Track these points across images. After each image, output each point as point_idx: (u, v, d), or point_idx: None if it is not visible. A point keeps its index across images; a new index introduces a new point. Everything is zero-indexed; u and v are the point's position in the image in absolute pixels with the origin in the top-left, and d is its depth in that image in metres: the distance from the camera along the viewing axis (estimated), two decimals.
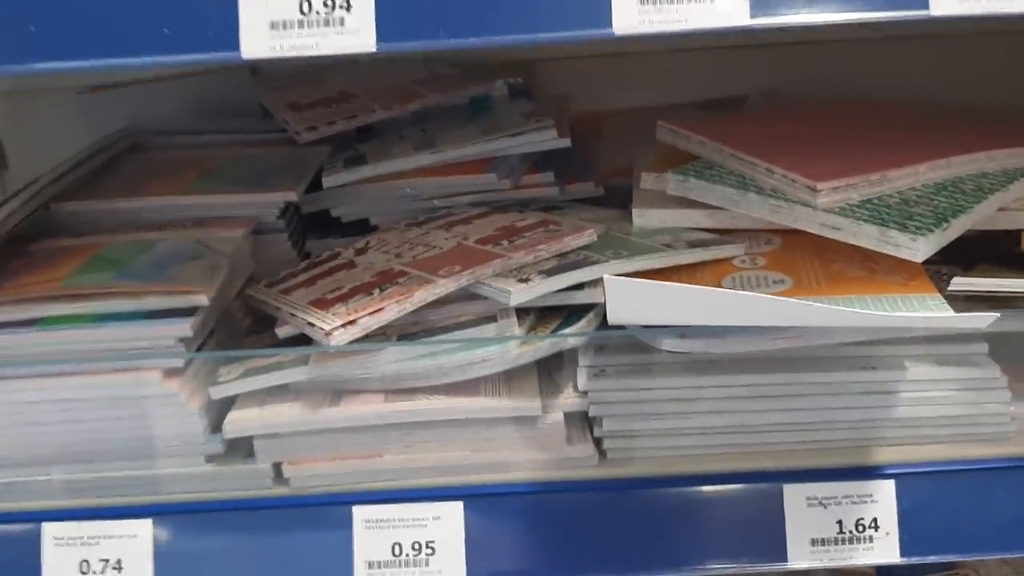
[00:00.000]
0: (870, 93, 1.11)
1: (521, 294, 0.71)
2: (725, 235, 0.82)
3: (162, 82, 1.25)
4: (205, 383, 0.75)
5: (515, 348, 0.70)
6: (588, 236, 0.77)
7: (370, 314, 0.70)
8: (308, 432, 0.73)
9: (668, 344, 0.69)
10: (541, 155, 1.00)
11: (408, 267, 0.78)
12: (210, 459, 0.74)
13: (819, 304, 0.63)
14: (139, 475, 0.73)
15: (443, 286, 0.72)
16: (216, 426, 0.74)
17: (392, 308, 0.71)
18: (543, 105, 1.08)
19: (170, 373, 0.72)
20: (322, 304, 0.75)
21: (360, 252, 0.87)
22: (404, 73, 1.17)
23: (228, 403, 0.75)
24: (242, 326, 0.84)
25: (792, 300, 0.66)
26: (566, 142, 0.97)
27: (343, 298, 0.75)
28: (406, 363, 0.72)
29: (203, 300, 0.73)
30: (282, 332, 0.77)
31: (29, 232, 0.89)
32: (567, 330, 0.73)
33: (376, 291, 0.74)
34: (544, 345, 0.70)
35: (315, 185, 0.97)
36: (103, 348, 0.71)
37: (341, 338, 0.69)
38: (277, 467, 0.74)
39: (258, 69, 1.25)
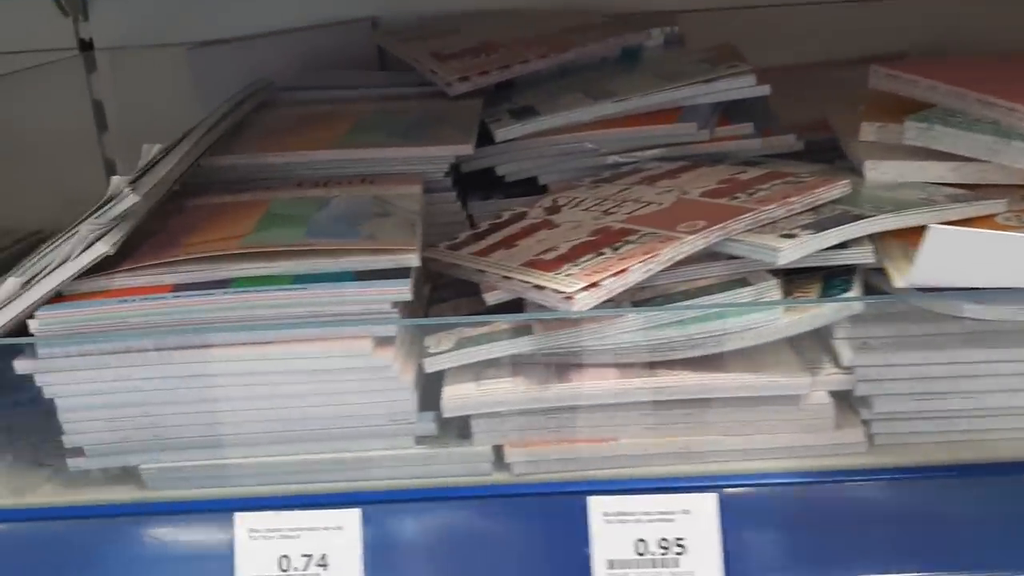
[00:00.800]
0: None
1: (791, 251, 0.61)
2: (971, 189, 0.73)
3: (276, 35, 1.17)
4: (412, 355, 0.66)
5: (784, 316, 0.61)
6: (842, 188, 0.68)
7: (614, 275, 0.61)
8: (535, 411, 0.64)
9: (971, 310, 0.59)
10: (728, 106, 0.91)
11: (631, 224, 0.69)
12: (420, 440, 0.66)
13: None
14: (343, 458, 0.64)
15: (691, 243, 0.63)
16: (423, 403, 0.66)
17: (637, 268, 0.62)
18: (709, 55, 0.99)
19: (381, 342, 0.63)
20: (543, 266, 0.66)
21: (552, 211, 0.78)
22: (540, 23, 1.08)
23: (432, 379, 0.66)
24: (423, 292, 0.76)
25: None
26: (765, 89, 0.88)
27: (565, 259, 0.66)
28: (649, 332, 0.63)
29: (413, 260, 0.64)
30: (492, 297, 0.68)
31: (179, 189, 0.81)
32: (842, 296, 0.63)
33: (607, 250, 0.65)
34: (826, 312, 0.61)
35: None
36: (307, 313, 0.62)
37: (584, 302, 0.60)
38: (497, 450, 0.65)
39: (378, 22, 1.17)
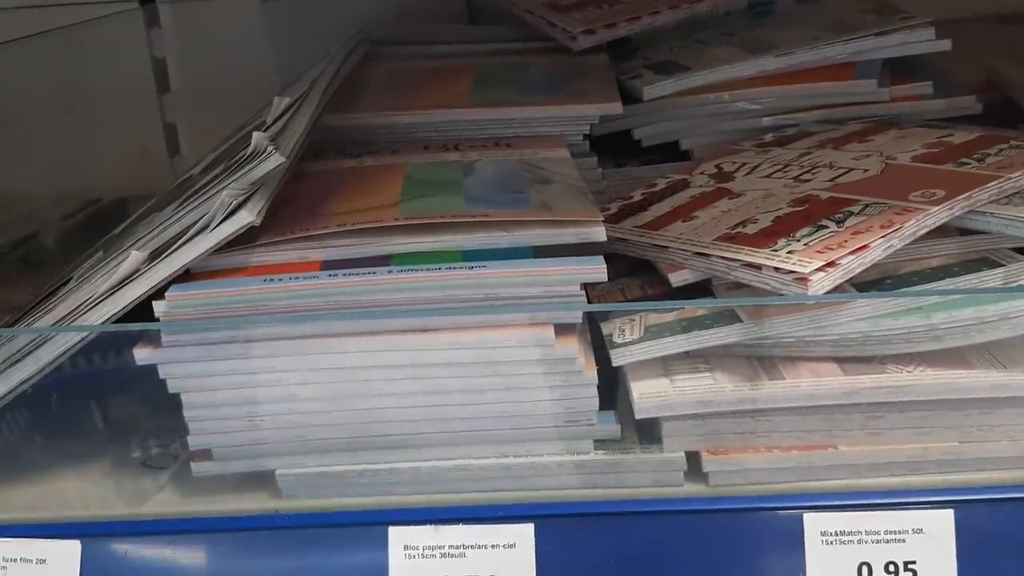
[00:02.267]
0: None
1: None
2: None
3: None
4: (588, 345, 0.57)
5: None
6: None
7: (852, 252, 0.52)
8: (739, 413, 0.55)
9: None
10: (893, 64, 0.81)
11: (843, 192, 0.59)
12: (600, 445, 0.57)
13: None
14: (514, 464, 0.55)
15: (935, 214, 0.54)
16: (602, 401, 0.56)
17: (878, 244, 0.52)
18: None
19: (563, 331, 0.54)
20: (747, 240, 0.56)
21: (721, 178, 0.68)
22: None
23: (604, 372, 0.57)
24: None
25: None
26: (946, 44, 0.78)
27: (775, 232, 0.56)
28: (881, 320, 0.54)
29: (600, 233, 0.55)
30: (677, 279, 0.59)
31: None
32: None
33: (828, 223, 0.55)
34: None
35: None
36: (481, 295, 0.52)
37: (821, 285, 0.51)
38: (692, 457, 0.56)
39: None
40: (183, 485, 0.58)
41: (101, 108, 1.07)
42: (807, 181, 0.63)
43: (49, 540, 0.55)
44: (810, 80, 0.76)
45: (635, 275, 0.64)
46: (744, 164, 0.70)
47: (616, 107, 0.73)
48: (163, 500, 0.58)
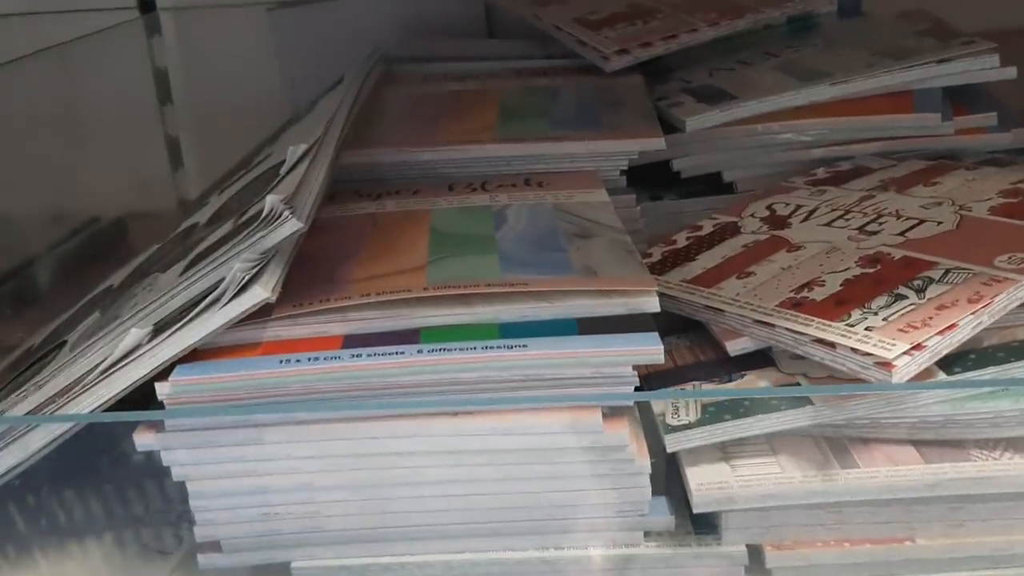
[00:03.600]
0: None
1: None
2: None
3: None
4: (639, 427, 0.51)
5: None
6: None
7: (940, 332, 0.46)
8: (808, 505, 0.49)
9: None
10: (951, 92, 0.75)
11: (913, 251, 0.54)
12: (651, 537, 0.51)
13: None
14: (556, 558, 0.50)
15: None
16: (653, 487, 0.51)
17: (967, 322, 0.47)
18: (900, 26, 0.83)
19: (612, 414, 0.49)
20: (814, 310, 0.51)
21: (775, 224, 0.62)
22: None
23: (656, 453, 0.52)
24: None
25: None
26: (1012, 72, 0.72)
27: (846, 301, 0.51)
28: (967, 404, 0.48)
29: (654, 304, 0.49)
30: (735, 347, 0.53)
31: None
32: None
33: (908, 292, 0.50)
34: None
35: None
36: (521, 377, 0.47)
37: (906, 371, 0.45)
38: (754, 551, 0.50)
39: None
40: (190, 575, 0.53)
41: (100, 122, 1.01)
42: (874, 233, 0.57)
43: None
44: (867, 111, 0.70)
45: (681, 333, 0.59)
46: (800, 207, 0.64)
47: (658, 143, 0.67)
48: None
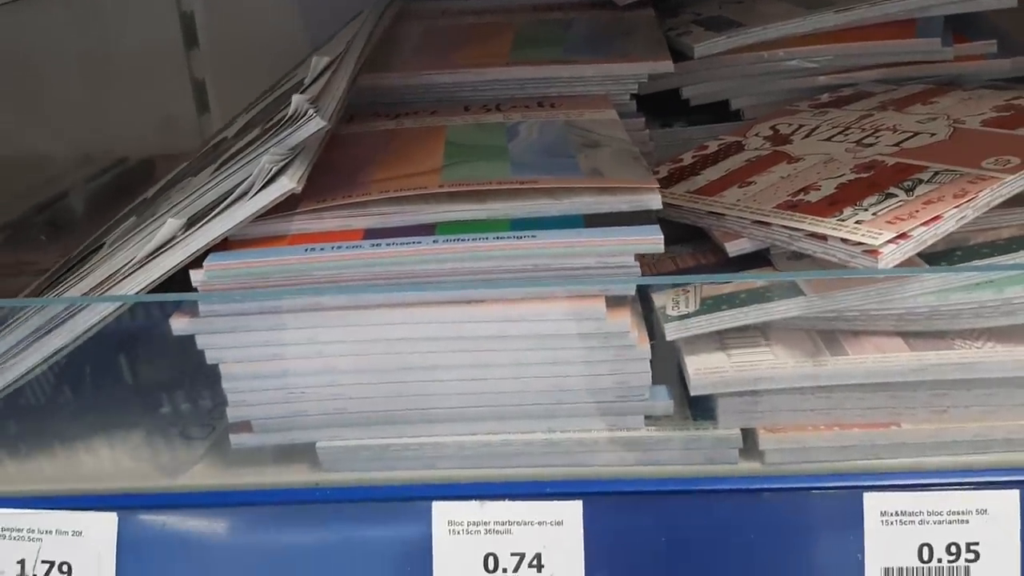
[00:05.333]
0: None
1: None
2: None
3: None
4: (640, 317, 0.55)
5: None
6: None
7: (925, 223, 0.49)
8: (799, 390, 0.53)
9: None
10: (955, 21, 0.77)
11: (909, 158, 0.56)
12: (652, 421, 0.55)
13: None
14: (563, 440, 0.53)
15: (1010, 183, 0.51)
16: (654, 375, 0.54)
17: (952, 215, 0.49)
18: None
19: (615, 303, 0.52)
20: (810, 209, 0.54)
21: (777, 140, 0.65)
22: None
23: (656, 347, 0.55)
24: None
25: None
26: (1012, 0, 0.74)
27: (839, 201, 0.54)
28: (951, 295, 0.51)
29: (656, 200, 0.52)
30: (735, 247, 0.56)
31: None
32: None
33: (897, 191, 0.53)
34: None
35: None
36: (530, 267, 0.50)
37: (892, 258, 0.48)
38: (748, 435, 0.54)
39: None
40: (222, 456, 0.56)
41: (127, 65, 1.04)
42: (870, 145, 0.60)
43: (85, 512, 0.54)
44: (870, 38, 0.72)
45: (685, 243, 0.62)
46: (801, 126, 0.67)
47: (667, 65, 0.70)
48: (201, 472, 0.56)
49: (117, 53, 1.05)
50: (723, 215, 0.57)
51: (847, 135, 0.62)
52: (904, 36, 0.72)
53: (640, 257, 0.57)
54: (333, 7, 1.03)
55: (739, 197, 0.58)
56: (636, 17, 0.82)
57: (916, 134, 0.60)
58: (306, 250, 0.50)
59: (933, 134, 0.59)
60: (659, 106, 0.77)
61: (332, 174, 0.56)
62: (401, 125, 0.66)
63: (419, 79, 0.71)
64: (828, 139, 0.63)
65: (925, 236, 0.49)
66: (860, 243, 0.48)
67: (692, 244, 0.61)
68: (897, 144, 0.59)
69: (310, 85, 0.56)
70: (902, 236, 0.48)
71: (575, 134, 0.62)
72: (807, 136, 0.64)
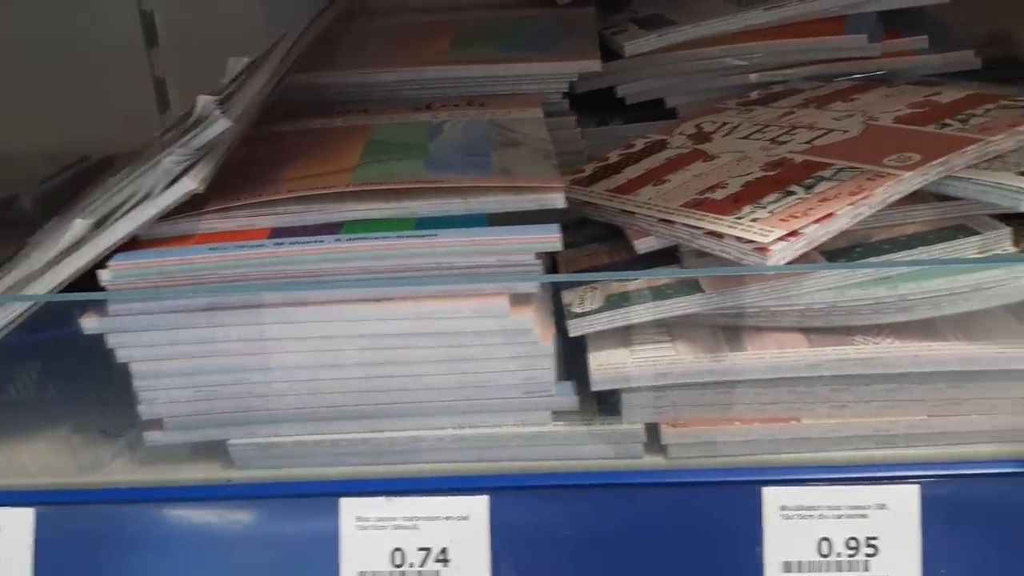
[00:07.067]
0: None
1: None
2: None
3: None
4: (546, 314, 0.55)
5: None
6: None
7: (817, 220, 0.50)
8: (700, 385, 0.53)
9: None
10: (890, 17, 0.78)
11: (816, 156, 0.57)
12: (558, 416, 0.55)
13: None
14: (469, 435, 0.54)
15: (908, 180, 0.51)
16: (560, 372, 0.55)
17: (845, 212, 0.50)
18: None
19: (519, 300, 0.52)
20: (713, 207, 0.54)
21: (699, 139, 0.66)
22: None
23: (564, 344, 0.56)
24: None
25: None
26: None
27: (742, 199, 0.54)
28: (848, 291, 0.52)
29: (559, 200, 0.53)
30: (644, 245, 0.57)
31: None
32: None
33: (797, 188, 0.53)
34: None
35: None
36: (434, 264, 0.51)
37: (782, 255, 0.49)
38: (652, 429, 0.54)
39: None
40: (139, 454, 0.58)
41: (88, 64, 1.05)
42: (784, 143, 0.60)
43: (2, 508, 0.55)
44: (801, 34, 0.73)
45: (607, 241, 0.63)
46: (725, 124, 0.67)
47: (594, 65, 0.71)
48: (118, 468, 0.57)
49: (78, 52, 1.06)
50: (634, 213, 0.57)
51: (765, 133, 0.63)
52: (833, 33, 0.72)
53: (559, 255, 0.58)
54: (293, 5, 1.04)
55: (651, 195, 0.59)
56: (576, 15, 0.83)
57: (830, 131, 0.60)
58: (209, 249, 0.51)
59: (846, 131, 0.59)
60: (601, 104, 0.78)
61: (248, 173, 0.57)
62: (332, 124, 0.67)
63: (355, 78, 0.71)
64: (745, 137, 0.63)
65: (817, 234, 0.49)
66: (751, 241, 0.49)
67: (611, 242, 0.62)
68: (809, 142, 0.59)
69: (227, 87, 0.57)
70: (793, 234, 0.49)
71: (497, 133, 0.63)
72: (728, 134, 0.65)
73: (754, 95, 0.72)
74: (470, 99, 0.71)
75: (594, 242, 0.63)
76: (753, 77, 0.76)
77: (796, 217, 0.50)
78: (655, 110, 0.78)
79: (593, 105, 0.77)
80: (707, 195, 0.56)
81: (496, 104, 0.69)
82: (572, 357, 0.56)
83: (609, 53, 0.76)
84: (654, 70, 0.77)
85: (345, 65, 0.75)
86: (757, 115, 0.67)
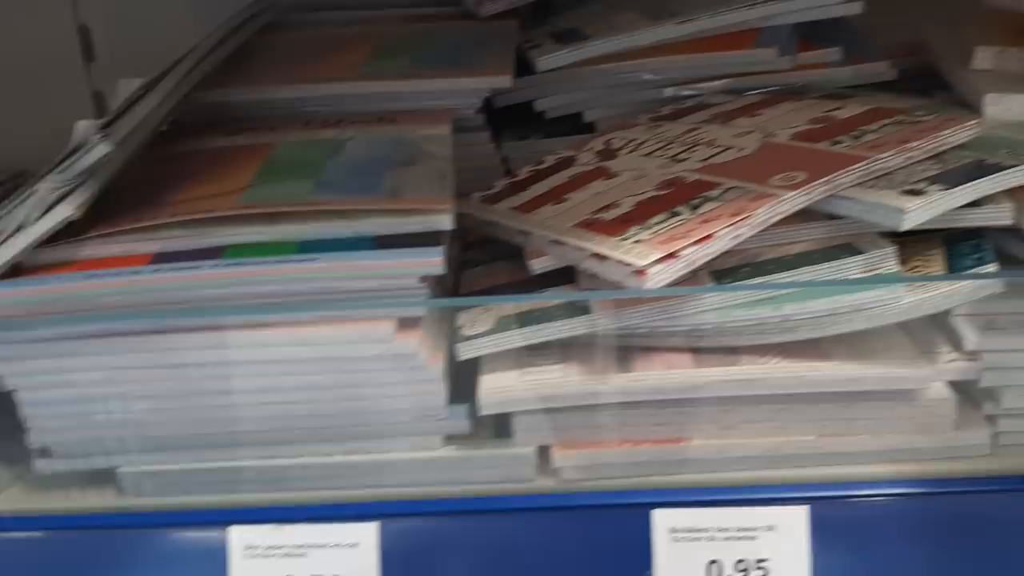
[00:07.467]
0: None
1: (919, 211, 0.49)
2: None
3: None
4: (440, 336, 0.55)
5: (907, 293, 0.49)
6: (972, 129, 0.55)
7: (695, 243, 0.49)
8: (589, 407, 0.53)
9: None
10: (808, 28, 0.78)
11: (709, 174, 0.57)
12: (450, 440, 0.55)
13: None
14: (358, 462, 0.54)
15: (789, 200, 0.51)
16: (453, 395, 0.55)
17: (724, 234, 0.50)
18: None
19: (405, 324, 0.52)
20: (602, 228, 0.54)
21: (605, 155, 0.66)
22: None
23: (464, 365, 0.55)
24: (452, 254, 0.64)
25: None
26: (856, 7, 0.74)
27: (630, 220, 0.54)
28: (733, 311, 0.52)
29: (445, 222, 0.52)
30: (538, 265, 0.57)
31: (168, 130, 0.69)
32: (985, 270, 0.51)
33: (683, 209, 0.53)
34: (962, 290, 0.49)
35: None
36: (315, 290, 0.51)
37: (659, 278, 0.49)
38: (543, 452, 0.54)
39: None
40: (35, 481, 0.57)
41: (25, 79, 1.04)
42: (682, 161, 0.60)
43: None
44: (711, 48, 0.73)
45: (511, 260, 0.63)
46: (632, 140, 0.67)
47: (505, 80, 0.70)
48: (12, 496, 0.57)
49: (15, 67, 1.05)
50: (530, 233, 0.57)
51: (667, 150, 0.63)
52: (743, 46, 0.72)
53: (460, 273, 0.58)
54: (228, 16, 1.03)
55: (550, 214, 0.58)
56: (497, 29, 0.82)
57: (727, 149, 0.60)
58: (87, 276, 0.50)
59: (742, 149, 0.59)
60: (527, 117, 0.78)
61: (139, 195, 0.56)
62: (235, 142, 0.66)
63: (257, 95, 0.71)
64: (648, 154, 0.63)
65: (695, 256, 0.49)
66: (630, 264, 0.49)
67: (513, 261, 0.62)
68: (706, 159, 0.59)
69: (117, 110, 0.57)
70: (670, 256, 0.49)
71: (399, 151, 0.62)
72: (633, 151, 0.65)
73: (666, 110, 0.72)
74: (381, 115, 0.70)
75: (501, 260, 0.63)
76: (668, 91, 0.76)
77: (676, 239, 0.50)
78: (577, 124, 0.78)
79: (520, 119, 0.77)
80: (599, 215, 0.56)
81: (406, 120, 0.69)
82: (468, 379, 0.56)
83: (531, 67, 0.76)
84: (571, 84, 0.76)
85: (257, 80, 0.74)
86: (664, 131, 0.67)
